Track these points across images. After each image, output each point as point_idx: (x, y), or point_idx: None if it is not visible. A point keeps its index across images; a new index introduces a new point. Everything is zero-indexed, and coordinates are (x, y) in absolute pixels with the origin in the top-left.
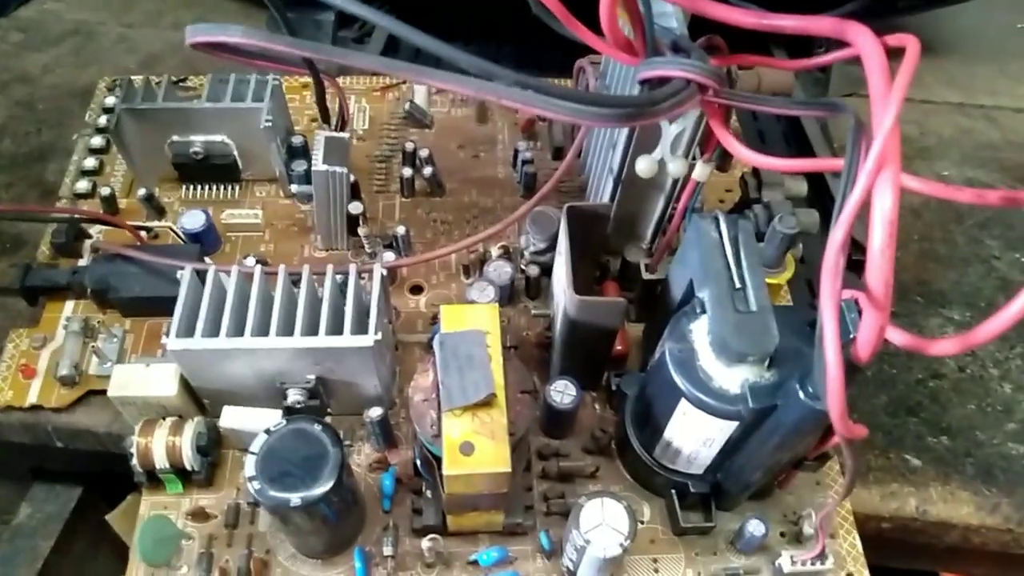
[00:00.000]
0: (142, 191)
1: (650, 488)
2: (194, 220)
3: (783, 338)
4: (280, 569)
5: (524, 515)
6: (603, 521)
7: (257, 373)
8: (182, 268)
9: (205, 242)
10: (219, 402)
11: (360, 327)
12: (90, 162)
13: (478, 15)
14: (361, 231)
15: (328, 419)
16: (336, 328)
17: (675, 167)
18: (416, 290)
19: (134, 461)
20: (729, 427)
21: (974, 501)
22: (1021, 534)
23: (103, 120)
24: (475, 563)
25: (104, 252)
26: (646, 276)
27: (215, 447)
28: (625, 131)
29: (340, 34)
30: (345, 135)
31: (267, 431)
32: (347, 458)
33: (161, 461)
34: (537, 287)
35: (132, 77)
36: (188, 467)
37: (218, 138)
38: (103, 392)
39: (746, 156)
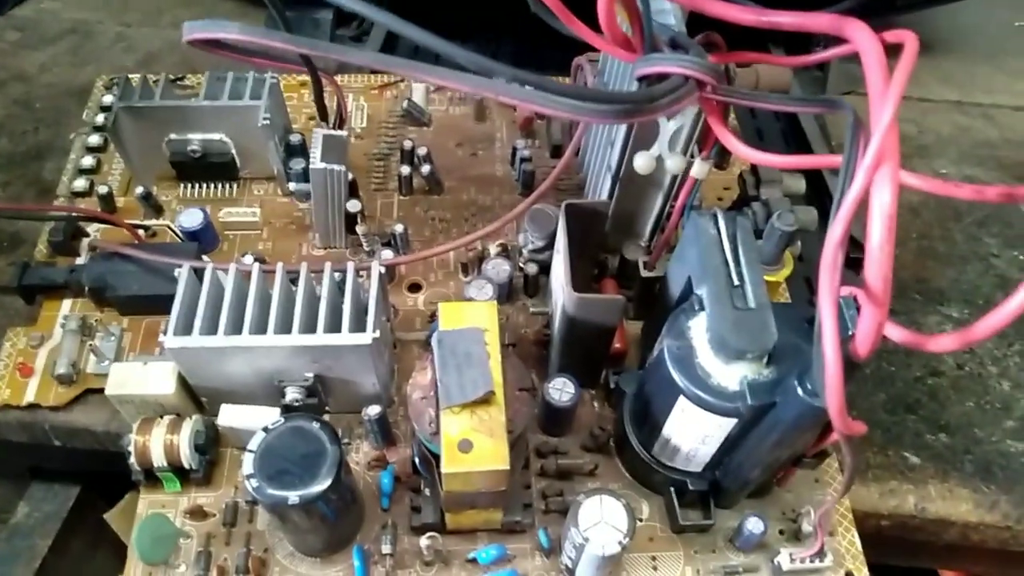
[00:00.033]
0: (140, 189)
1: (649, 486)
2: (192, 218)
3: (781, 335)
4: (278, 567)
5: (523, 513)
6: (602, 519)
7: (255, 371)
8: (180, 266)
9: (203, 240)
10: (217, 400)
11: (358, 325)
12: (88, 160)
13: (476, 13)
14: (359, 229)
15: (326, 417)
16: (334, 326)
17: (673, 164)
18: (414, 288)
19: (132, 460)
20: (728, 424)
21: (973, 498)
22: (1020, 531)
23: (101, 118)
24: (474, 561)
25: (102, 250)
26: (644, 274)
27: (213, 445)
28: (623, 128)
29: (338, 33)
30: (343, 133)
31: (265, 429)
32: (345, 456)
33: (159, 459)
34: (535, 285)
35: (130, 75)
36: (186, 465)
37: (216, 136)
38: (101, 391)
39: (744, 152)
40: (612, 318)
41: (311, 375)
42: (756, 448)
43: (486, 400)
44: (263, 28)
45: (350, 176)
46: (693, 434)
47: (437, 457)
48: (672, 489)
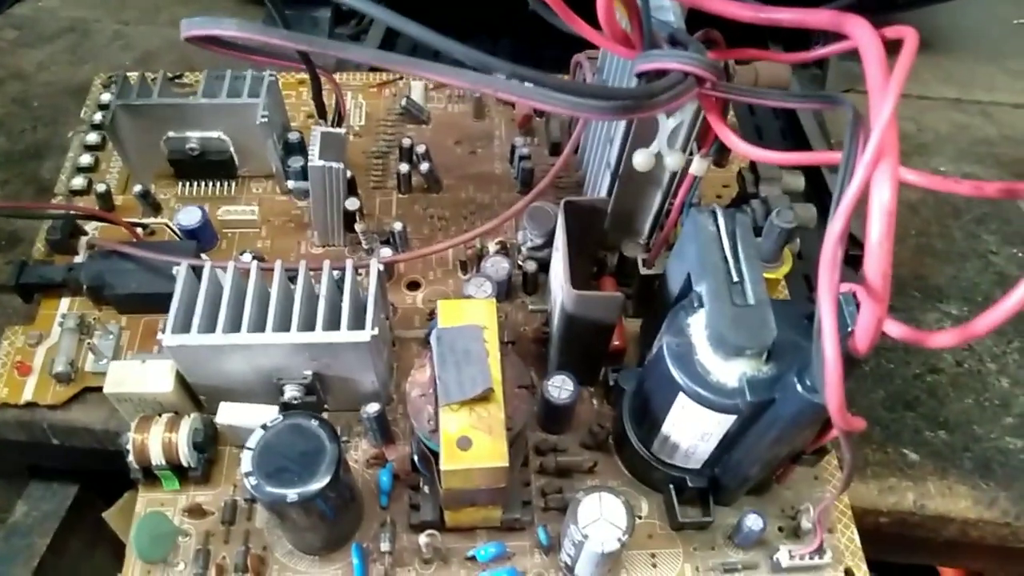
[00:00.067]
0: (138, 187)
1: (648, 483)
2: (190, 216)
3: (781, 331)
4: (277, 566)
5: (522, 510)
6: (601, 516)
7: (254, 369)
8: (178, 264)
9: (201, 238)
10: (215, 398)
11: (357, 323)
12: (86, 159)
13: (475, 10)
14: (358, 227)
15: (325, 415)
16: (333, 324)
17: (672, 161)
18: (413, 286)
19: (130, 458)
20: (727, 421)
21: (972, 495)
22: (1019, 528)
23: (99, 116)
24: (473, 559)
25: (100, 249)
26: (643, 271)
27: (211, 443)
28: (622, 125)
29: (336, 31)
30: (342, 131)
31: (264, 427)
32: (344, 454)
33: (157, 458)
34: (534, 282)
35: (128, 73)
36: (184, 464)
37: (214, 134)
38: (99, 389)
39: (743, 149)
40: (611, 315)
41: (310, 373)
42: (755, 445)
43: (485, 397)
44: (261, 24)
45: (349, 174)
46: (692, 431)
47: (436, 454)
48: (671, 486)
